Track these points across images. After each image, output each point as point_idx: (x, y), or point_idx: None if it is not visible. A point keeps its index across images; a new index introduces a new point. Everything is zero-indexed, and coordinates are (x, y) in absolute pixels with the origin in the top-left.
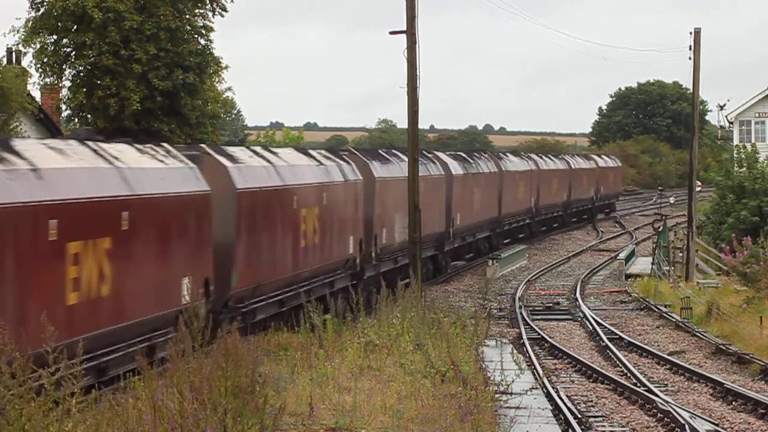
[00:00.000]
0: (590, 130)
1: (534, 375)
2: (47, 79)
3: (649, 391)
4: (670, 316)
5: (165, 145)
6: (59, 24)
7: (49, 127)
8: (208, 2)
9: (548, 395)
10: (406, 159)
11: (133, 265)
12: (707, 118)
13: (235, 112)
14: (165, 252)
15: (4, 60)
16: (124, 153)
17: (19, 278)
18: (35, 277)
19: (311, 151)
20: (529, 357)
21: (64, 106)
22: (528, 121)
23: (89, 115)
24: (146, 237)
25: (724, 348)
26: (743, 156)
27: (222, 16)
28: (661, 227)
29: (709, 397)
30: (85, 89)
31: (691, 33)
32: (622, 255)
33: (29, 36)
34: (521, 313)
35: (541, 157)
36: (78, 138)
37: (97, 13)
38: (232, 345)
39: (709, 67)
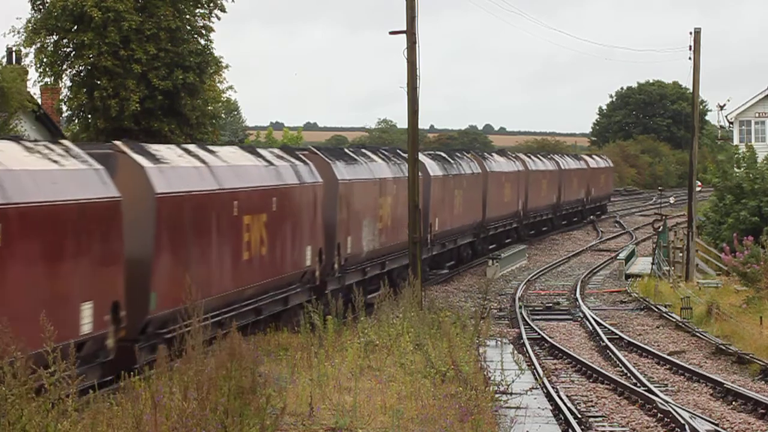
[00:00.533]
0: (590, 130)
1: (534, 375)
2: (47, 79)
3: (649, 391)
4: (670, 316)
5: (65, 142)
6: (59, 24)
7: (49, 127)
8: (206, 2)
9: (548, 395)
10: (377, 159)
11: (8, 289)
12: (707, 118)
13: (235, 112)
14: (55, 273)
15: (4, 60)
16: (4, 152)
17: None
18: None
19: (261, 150)
20: (529, 357)
21: (64, 107)
22: (528, 121)
23: (89, 116)
24: (28, 255)
25: (724, 348)
26: (742, 157)
27: (218, 18)
28: (661, 227)
29: (709, 397)
30: (85, 89)
31: (691, 33)
32: (622, 255)
33: (30, 36)
34: (521, 313)
35: (529, 157)
36: None
37: (96, 12)
38: (234, 346)
39: (709, 67)
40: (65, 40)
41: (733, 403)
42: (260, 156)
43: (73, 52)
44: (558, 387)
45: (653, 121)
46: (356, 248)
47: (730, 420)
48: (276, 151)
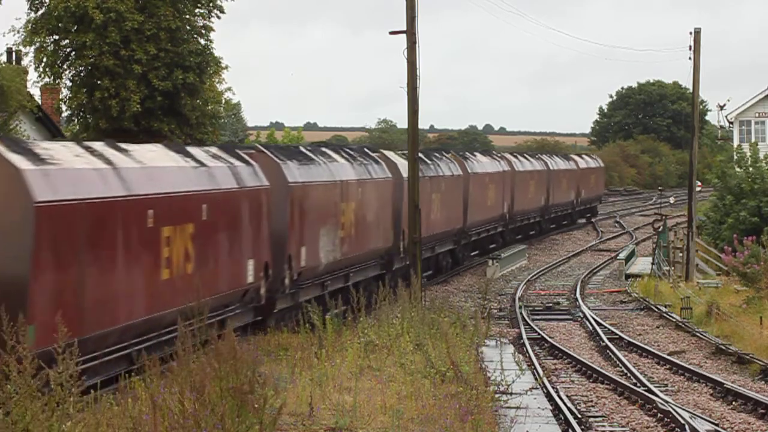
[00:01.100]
0: (590, 130)
1: (534, 375)
2: (46, 79)
3: (649, 391)
4: (670, 316)
5: None
6: (59, 24)
7: (48, 127)
8: (206, 2)
9: (548, 395)
10: (339, 159)
11: None
12: (707, 118)
13: (235, 113)
14: None
15: (4, 59)
16: None
17: None
18: None
19: (192, 149)
20: (529, 357)
21: (64, 107)
22: (528, 121)
23: (89, 116)
24: None
25: (724, 348)
26: (745, 156)
27: (218, 17)
28: (661, 227)
29: (709, 397)
30: (85, 89)
31: (691, 33)
32: (622, 255)
33: (29, 36)
34: (521, 313)
35: (515, 157)
36: None
37: (97, 14)
38: (230, 347)
39: (709, 67)
40: (66, 41)
41: (733, 403)
42: (189, 156)
43: (74, 53)
44: (558, 387)
45: (653, 121)
46: (312, 260)
47: (730, 420)
48: (212, 149)
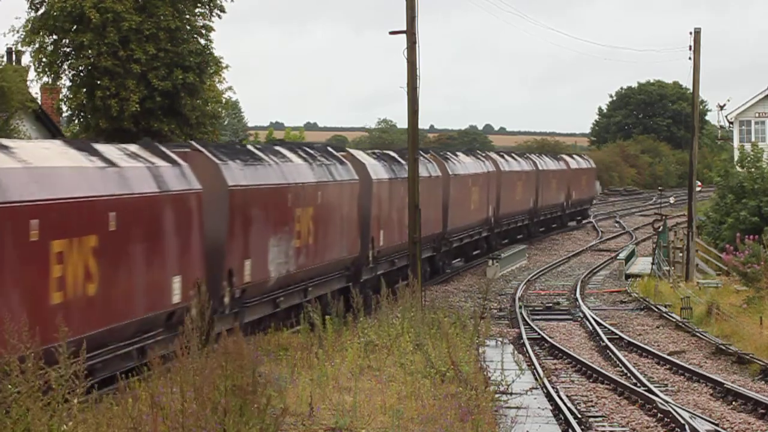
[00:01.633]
0: (590, 130)
1: (534, 375)
2: (45, 78)
3: (649, 391)
4: (670, 316)
5: None
6: (57, 24)
7: (48, 126)
8: (206, 2)
9: (548, 395)
10: (295, 159)
11: None
12: (707, 118)
13: (235, 113)
14: None
15: (5, 59)
16: None
17: None
18: None
19: (101, 147)
20: (529, 357)
21: (64, 107)
22: (528, 122)
23: (89, 116)
24: None
25: (724, 348)
26: (747, 156)
27: (219, 17)
28: (661, 227)
29: (709, 397)
30: (85, 89)
31: (691, 33)
32: (622, 255)
33: (29, 36)
34: (521, 313)
35: (502, 157)
36: None
37: (94, 14)
38: (238, 345)
39: (709, 67)
40: (65, 41)
41: (733, 403)
42: (96, 154)
43: (73, 53)
44: (558, 387)
45: (653, 121)
46: (259, 274)
47: (730, 420)
48: (131, 148)
